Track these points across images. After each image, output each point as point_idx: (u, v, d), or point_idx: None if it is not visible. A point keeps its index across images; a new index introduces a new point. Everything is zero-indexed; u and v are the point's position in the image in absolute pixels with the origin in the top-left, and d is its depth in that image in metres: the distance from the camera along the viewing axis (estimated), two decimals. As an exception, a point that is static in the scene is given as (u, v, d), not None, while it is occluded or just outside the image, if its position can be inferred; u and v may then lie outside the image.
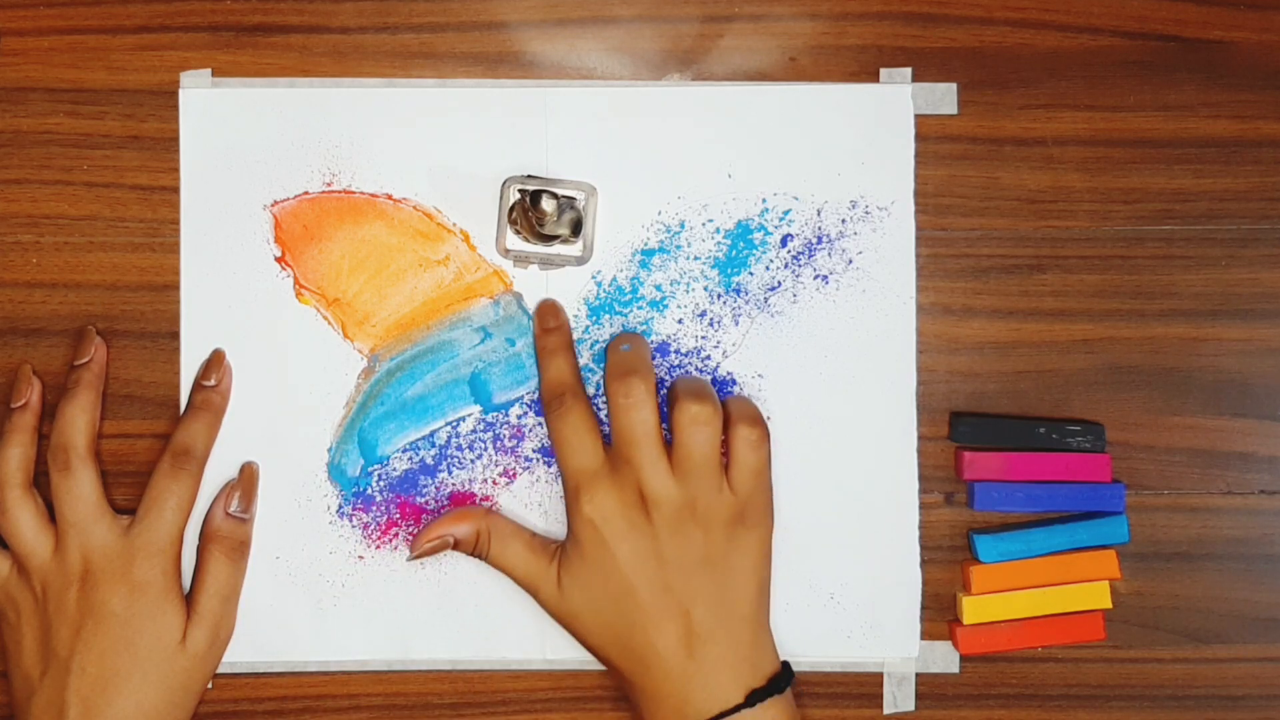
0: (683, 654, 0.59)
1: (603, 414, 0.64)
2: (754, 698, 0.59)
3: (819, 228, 0.65)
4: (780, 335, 0.64)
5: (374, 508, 0.64)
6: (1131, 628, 0.65)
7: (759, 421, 0.61)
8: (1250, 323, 0.65)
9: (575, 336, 0.64)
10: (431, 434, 0.64)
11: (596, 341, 0.64)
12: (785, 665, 0.61)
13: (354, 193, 0.64)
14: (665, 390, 0.64)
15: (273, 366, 0.64)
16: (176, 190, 0.64)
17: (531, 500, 0.64)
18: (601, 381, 0.64)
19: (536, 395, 0.64)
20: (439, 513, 0.64)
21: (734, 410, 0.61)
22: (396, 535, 0.64)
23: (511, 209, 0.62)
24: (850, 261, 0.65)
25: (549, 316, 0.63)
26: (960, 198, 0.65)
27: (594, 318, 0.65)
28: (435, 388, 0.64)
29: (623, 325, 0.64)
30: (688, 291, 0.65)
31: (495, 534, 0.62)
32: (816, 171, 0.65)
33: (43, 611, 0.60)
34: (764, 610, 0.61)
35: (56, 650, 0.60)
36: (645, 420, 0.59)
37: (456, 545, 0.62)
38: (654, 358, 0.64)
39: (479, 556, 0.62)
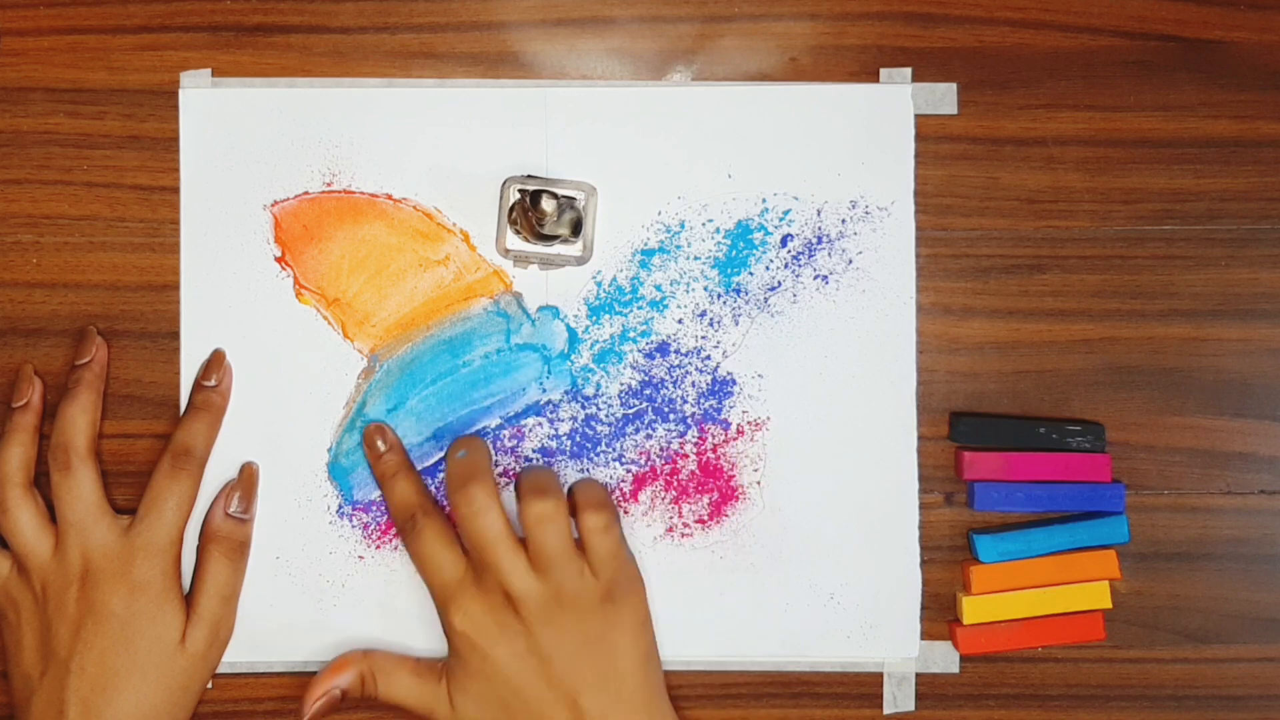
0: None
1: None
2: None
3: (819, 228, 0.65)
4: (780, 335, 0.64)
5: (374, 508, 0.64)
6: (1131, 628, 0.65)
7: (604, 505, 0.60)
8: (1250, 323, 0.65)
9: (575, 338, 0.64)
10: (445, 455, 0.64)
11: (597, 342, 0.64)
12: None
13: (354, 193, 0.64)
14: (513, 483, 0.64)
15: (273, 366, 0.64)
16: (176, 190, 0.64)
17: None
18: (601, 382, 0.64)
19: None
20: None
21: (579, 499, 0.61)
22: (397, 535, 0.64)
23: (511, 209, 0.62)
24: (850, 261, 0.65)
25: (378, 439, 0.63)
26: (960, 198, 0.65)
27: (594, 318, 0.65)
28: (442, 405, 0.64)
29: (623, 325, 0.64)
30: (688, 291, 0.65)
31: (379, 671, 0.61)
32: (816, 171, 0.65)
33: (42, 611, 0.60)
34: (654, 681, 0.61)
35: (56, 650, 0.60)
36: (493, 525, 0.59)
37: (344, 695, 0.61)
38: (654, 357, 0.64)
39: (368, 699, 0.62)
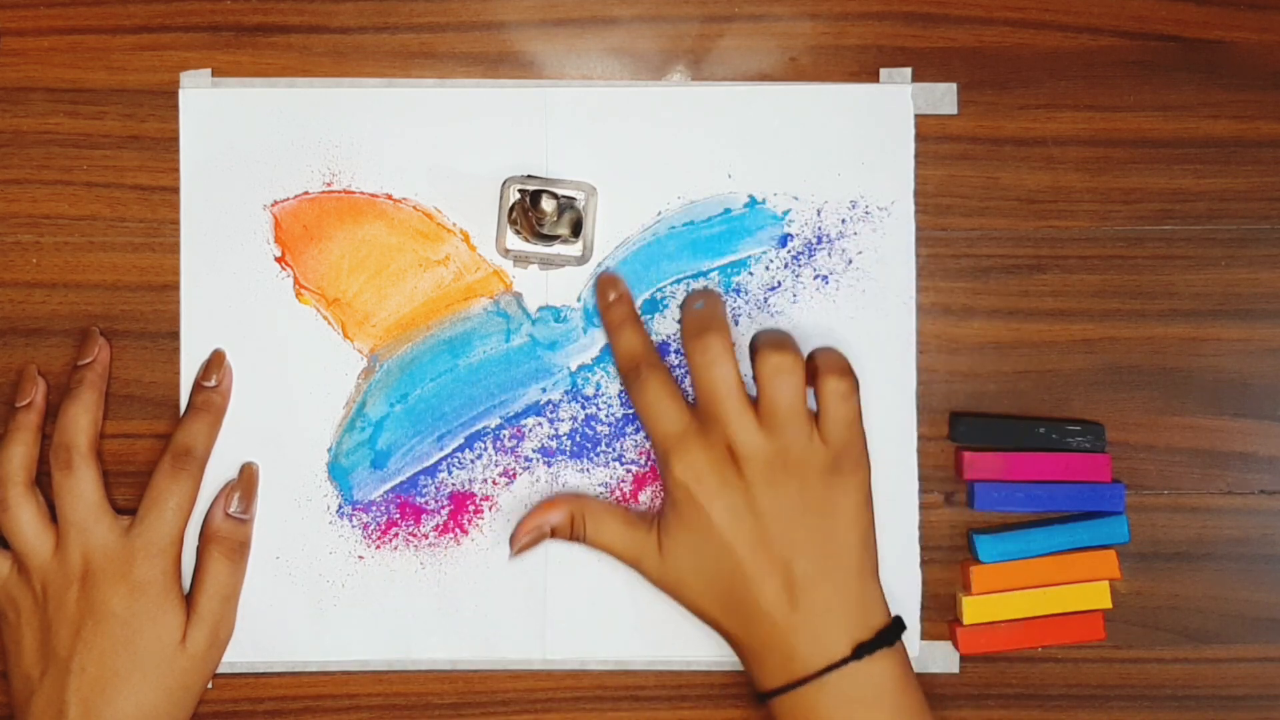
0: (786, 608, 0.58)
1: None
2: (861, 650, 0.58)
3: (819, 228, 0.65)
4: (780, 335, 0.64)
5: (374, 508, 0.64)
6: (1131, 628, 0.65)
7: (848, 372, 0.60)
8: (1250, 323, 0.65)
9: (575, 338, 0.64)
10: (448, 453, 0.64)
11: (597, 342, 0.64)
12: (896, 619, 0.60)
13: (354, 193, 0.64)
14: (747, 344, 0.63)
15: (273, 366, 0.64)
16: (176, 190, 0.64)
17: (531, 500, 0.64)
18: (601, 382, 0.64)
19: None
20: (439, 512, 0.64)
21: (821, 362, 0.60)
22: (396, 535, 0.64)
23: (511, 209, 0.62)
24: (850, 261, 0.65)
25: (609, 289, 0.63)
26: (960, 198, 0.65)
27: (594, 318, 0.65)
28: (448, 402, 0.64)
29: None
30: (688, 291, 0.64)
31: (589, 515, 0.62)
32: (816, 171, 0.65)
33: (43, 611, 0.60)
34: (869, 560, 0.60)
35: (56, 650, 0.60)
36: (726, 375, 0.59)
37: (553, 533, 0.62)
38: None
39: (576, 540, 0.62)
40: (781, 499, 0.58)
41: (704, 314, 0.61)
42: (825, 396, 0.59)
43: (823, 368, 0.60)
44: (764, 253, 0.64)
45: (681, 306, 0.63)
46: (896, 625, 0.60)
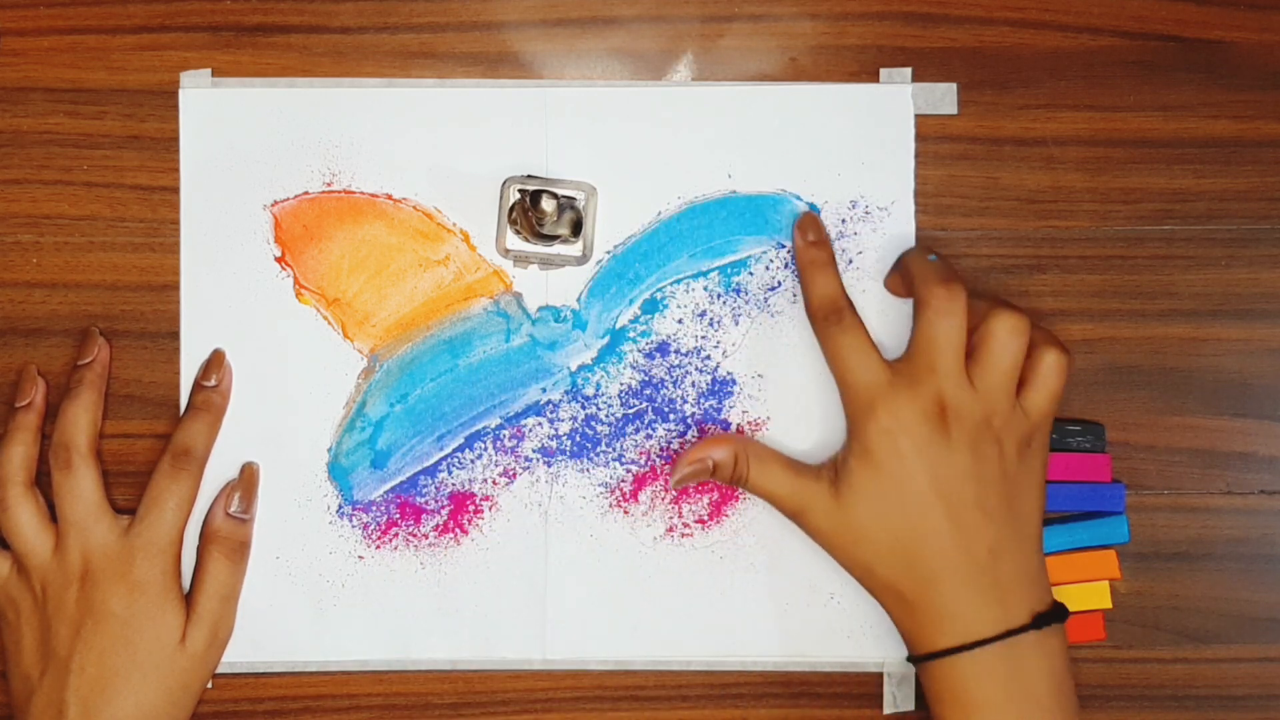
0: (972, 571, 0.58)
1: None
2: (1040, 620, 0.58)
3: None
4: (780, 335, 0.64)
5: (374, 508, 0.64)
6: (1131, 628, 0.65)
7: (1067, 349, 0.59)
8: (1250, 323, 0.65)
9: (575, 338, 0.64)
10: (448, 453, 0.64)
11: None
12: (1058, 602, 0.60)
13: (354, 193, 0.64)
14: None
15: (273, 366, 0.64)
16: (176, 190, 0.64)
17: (531, 500, 0.64)
18: (601, 382, 0.64)
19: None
20: (439, 512, 0.64)
21: (1040, 335, 0.60)
22: (396, 535, 0.64)
23: (511, 209, 0.62)
24: (850, 261, 0.65)
25: (811, 229, 0.62)
26: (960, 198, 0.65)
27: (589, 322, 0.65)
28: (448, 401, 0.64)
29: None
30: (688, 291, 0.65)
31: (754, 458, 0.61)
32: (816, 171, 0.65)
33: (42, 611, 0.60)
34: (1042, 536, 0.60)
35: (56, 650, 0.60)
36: (960, 329, 0.58)
37: (715, 471, 0.61)
38: (654, 357, 0.64)
39: (736, 483, 0.61)
40: (983, 463, 0.58)
41: (942, 265, 0.60)
42: (1042, 368, 0.59)
43: (1043, 339, 0.59)
44: (764, 253, 0.64)
45: (902, 259, 0.62)
46: (1062, 606, 0.59)
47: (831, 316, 0.61)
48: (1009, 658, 0.57)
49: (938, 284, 0.59)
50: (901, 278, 0.62)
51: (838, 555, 0.60)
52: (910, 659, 0.60)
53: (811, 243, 0.62)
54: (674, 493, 0.64)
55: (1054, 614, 0.58)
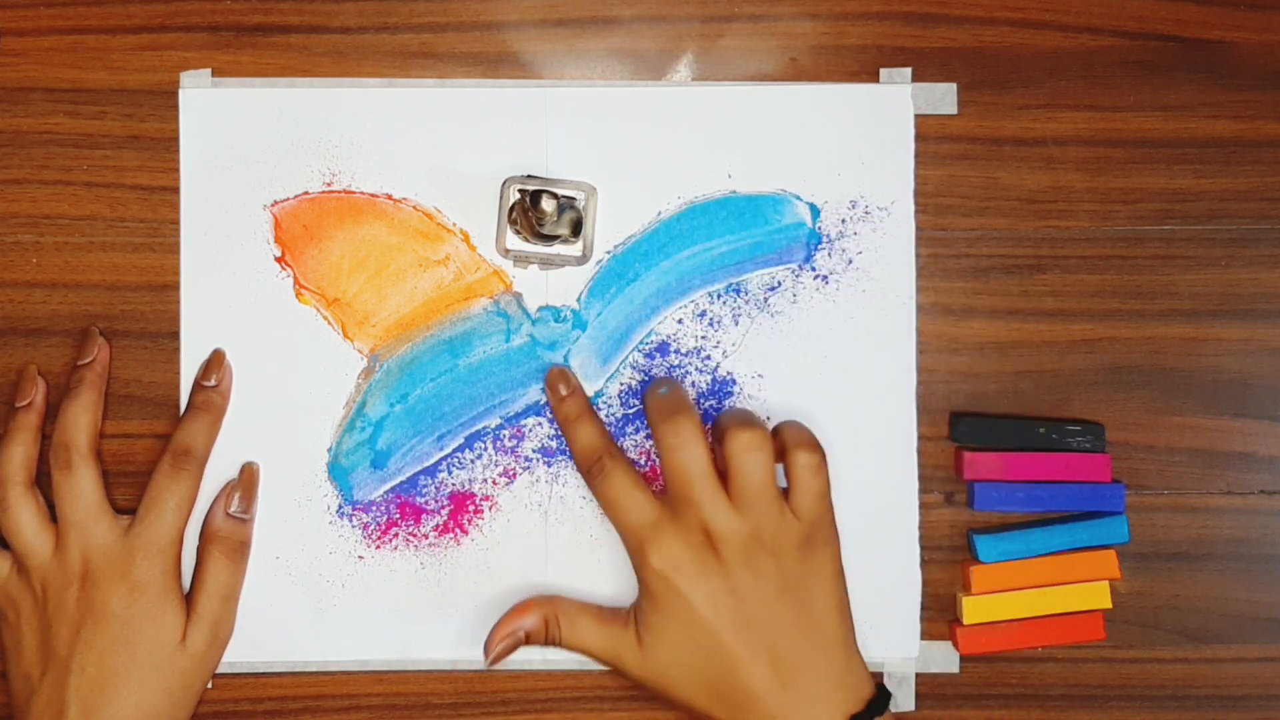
0: (777, 689, 0.58)
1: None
2: None
3: (819, 228, 0.65)
4: (780, 335, 0.65)
5: (374, 508, 0.64)
6: (1131, 628, 0.65)
7: (817, 446, 0.60)
8: (1250, 323, 0.65)
9: (575, 338, 0.64)
10: (448, 453, 0.64)
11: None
12: (880, 686, 0.60)
13: (354, 193, 0.64)
14: (709, 427, 0.63)
15: (273, 366, 0.64)
16: (176, 190, 0.64)
17: (531, 500, 0.64)
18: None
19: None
20: (439, 512, 0.64)
21: (789, 437, 0.60)
22: (396, 535, 0.64)
23: (511, 209, 0.62)
24: (850, 261, 0.65)
25: (560, 384, 0.63)
26: (960, 198, 0.65)
27: (587, 321, 0.65)
28: (448, 401, 0.64)
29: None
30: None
31: (564, 616, 0.61)
32: (816, 171, 0.65)
33: (42, 611, 0.60)
34: (849, 631, 0.60)
35: (56, 650, 0.60)
36: (699, 458, 0.59)
37: (528, 638, 0.61)
38: (654, 357, 0.64)
39: (552, 643, 0.61)
40: (760, 579, 0.58)
41: (671, 398, 0.60)
42: (796, 471, 0.59)
43: (791, 442, 0.60)
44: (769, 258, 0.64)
45: (643, 393, 0.63)
46: (883, 694, 0.60)
47: (595, 466, 0.61)
48: None
49: (662, 420, 0.59)
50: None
51: (658, 697, 0.61)
52: None
53: (564, 398, 0.63)
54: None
55: (871, 709, 0.59)
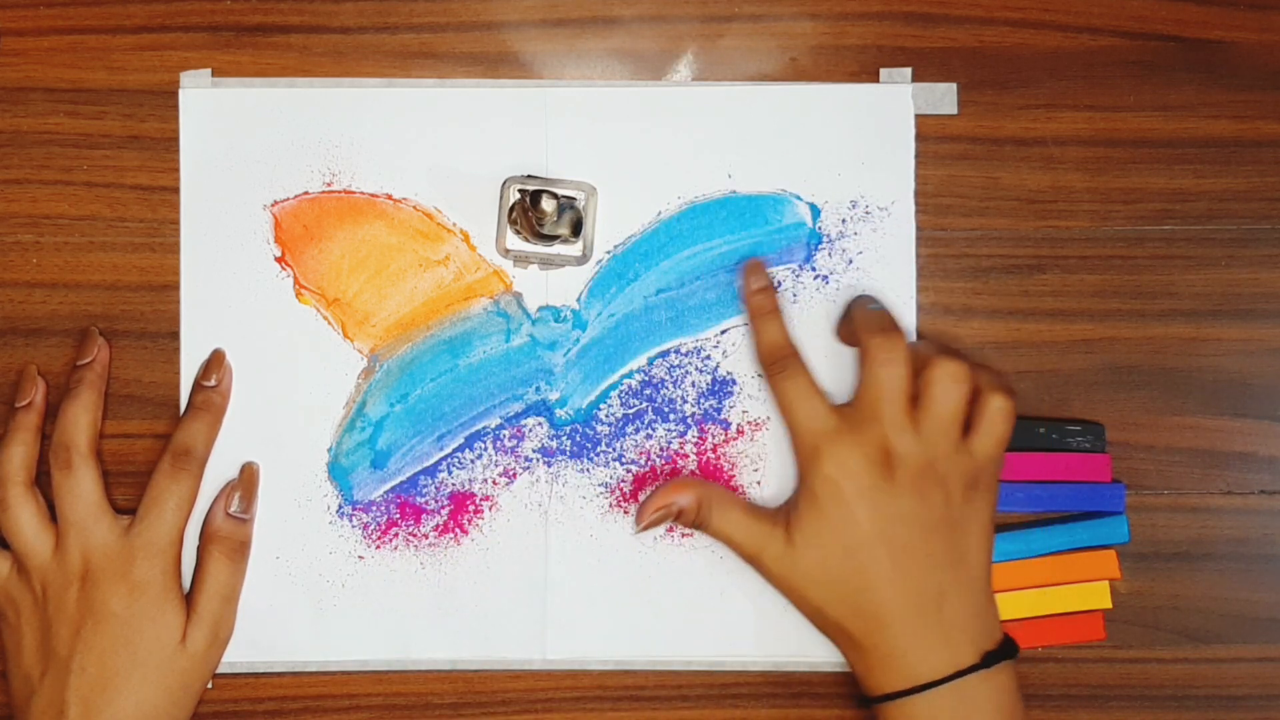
0: (919, 613, 0.58)
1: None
2: (989, 659, 0.58)
3: (819, 228, 0.65)
4: (780, 335, 0.64)
5: (374, 508, 0.64)
6: (1131, 628, 0.65)
7: (1012, 393, 0.60)
8: (1250, 323, 0.65)
9: (576, 338, 0.64)
10: (448, 453, 0.64)
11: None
12: (1008, 637, 0.60)
13: (354, 193, 0.64)
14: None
15: (273, 366, 0.64)
16: (176, 190, 0.64)
17: (531, 500, 0.64)
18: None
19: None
20: (439, 512, 0.64)
21: (986, 379, 0.60)
22: (396, 535, 0.64)
23: (511, 209, 0.62)
24: (850, 261, 0.65)
25: (755, 275, 0.63)
26: (960, 198, 0.65)
27: (587, 322, 0.65)
28: (449, 400, 0.64)
29: (623, 325, 0.65)
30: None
31: (715, 502, 0.61)
32: (816, 171, 0.65)
33: (42, 611, 0.60)
34: (989, 577, 0.60)
35: (56, 650, 0.60)
36: (902, 376, 0.59)
37: (679, 515, 0.62)
38: (654, 357, 0.64)
39: (699, 526, 0.62)
40: (927, 508, 0.59)
41: (882, 314, 0.61)
42: (989, 412, 0.59)
43: (988, 384, 0.60)
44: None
45: (848, 306, 0.63)
46: (1011, 641, 0.60)
47: (778, 364, 0.61)
48: (960, 698, 0.58)
49: (878, 333, 0.60)
50: (847, 327, 0.62)
51: (792, 598, 0.61)
52: (864, 700, 0.60)
53: (757, 290, 0.63)
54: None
55: (1002, 651, 0.59)
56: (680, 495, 0.62)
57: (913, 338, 0.64)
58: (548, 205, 0.59)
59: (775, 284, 0.64)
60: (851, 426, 0.60)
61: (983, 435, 0.60)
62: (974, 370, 0.60)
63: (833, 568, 0.59)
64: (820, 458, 0.59)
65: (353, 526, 0.64)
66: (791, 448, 0.62)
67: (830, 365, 0.64)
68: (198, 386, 0.64)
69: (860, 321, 0.61)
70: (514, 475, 0.64)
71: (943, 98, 0.65)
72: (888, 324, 0.60)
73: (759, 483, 0.64)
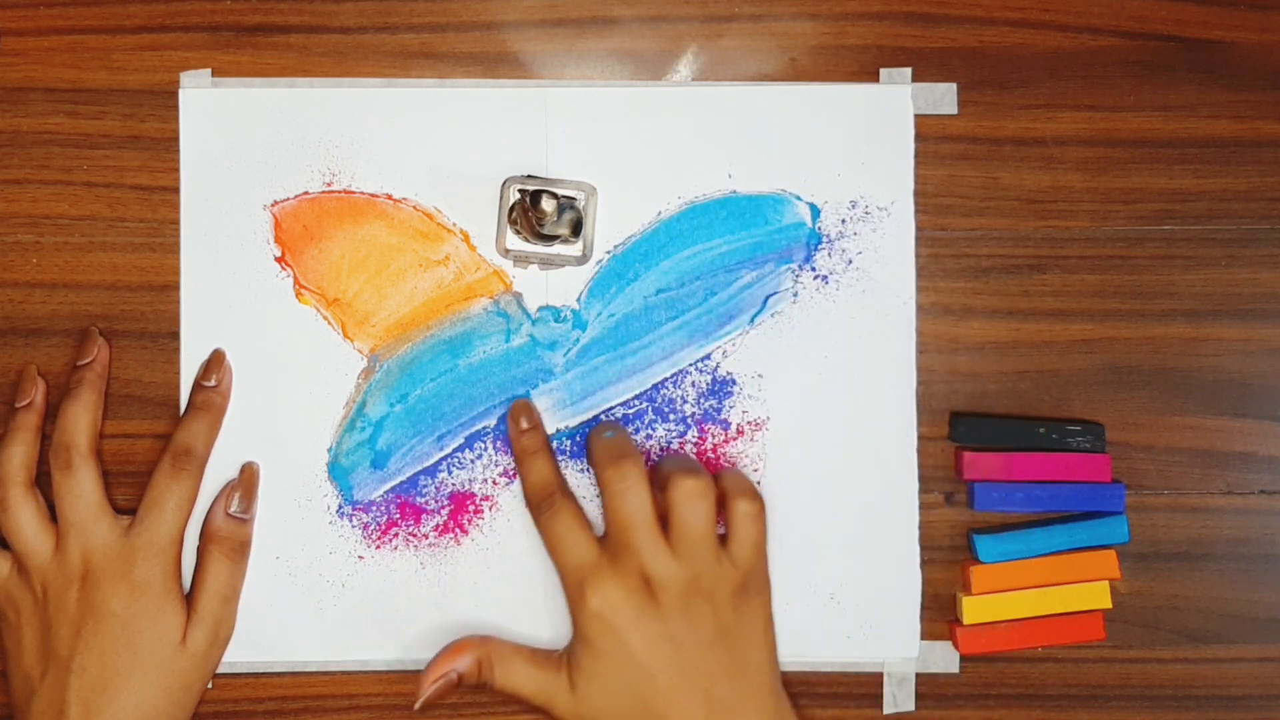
0: None
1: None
2: None
3: (819, 228, 0.65)
4: (780, 335, 0.64)
5: (374, 508, 0.64)
6: (1131, 628, 0.65)
7: (756, 495, 0.60)
8: (1250, 323, 0.65)
9: (576, 338, 0.64)
10: (448, 453, 0.64)
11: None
12: None
13: (354, 193, 0.64)
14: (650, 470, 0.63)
15: (273, 366, 0.64)
16: (176, 190, 0.64)
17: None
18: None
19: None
20: (439, 512, 0.64)
21: (729, 484, 0.61)
22: (396, 535, 0.64)
23: (511, 209, 0.62)
24: (850, 261, 0.65)
25: (522, 416, 0.63)
26: (960, 198, 0.65)
27: (587, 321, 0.65)
28: (448, 401, 0.64)
29: (623, 325, 0.65)
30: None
31: (496, 659, 0.61)
32: (816, 171, 0.65)
33: (43, 611, 0.60)
34: (778, 678, 0.61)
35: (57, 650, 0.60)
36: (643, 504, 0.59)
37: (460, 680, 0.61)
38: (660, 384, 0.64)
39: (484, 686, 0.61)
40: (697, 625, 0.59)
41: (617, 442, 0.60)
42: (737, 518, 0.60)
43: (732, 490, 0.60)
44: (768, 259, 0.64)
45: (588, 436, 0.63)
46: None
47: (545, 502, 0.61)
48: None
49: (607, 464, 0.59)
50: (590, 455, 0.62)
51: None
52: None
53: (524, 430, 0.63)
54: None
55: None
56: (457, 660, 0.61)
57: (911, 338, 0.64)
58: (548, 205, 0.60)
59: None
60: (611, 559, 0.59)
61: (739, 542, 0.60)
62: (717, 479, 0.60)
63: (619, 705, 0.59)
64: (585, 595, 0.59)
65: (353, 526, 0.64)
66: (561, 586, 0.62)
67: (830, 365, 0.64)
68: (198, 386, 0.64)
69: (593, 454, 0.61)
70: (514, 475, 0.64)
71: (943, 98, 0.65)
72: (622, 451, 0.60)
73: (759, 483, 0.64)
